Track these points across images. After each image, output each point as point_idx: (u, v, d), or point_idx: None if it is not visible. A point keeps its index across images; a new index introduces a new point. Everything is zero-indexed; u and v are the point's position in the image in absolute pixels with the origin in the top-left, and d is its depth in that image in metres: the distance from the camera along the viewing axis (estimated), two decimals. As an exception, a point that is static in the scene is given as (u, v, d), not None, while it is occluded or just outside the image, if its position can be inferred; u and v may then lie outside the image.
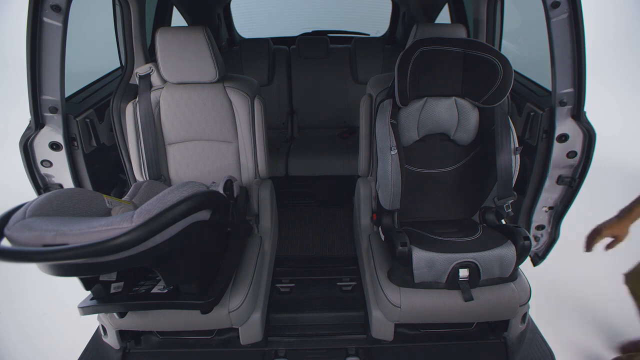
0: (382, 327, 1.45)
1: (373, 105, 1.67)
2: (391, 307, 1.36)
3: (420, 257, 1.29)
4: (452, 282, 1.30)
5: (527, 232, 1.33)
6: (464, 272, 1.29)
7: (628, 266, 1.47)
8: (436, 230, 1.51)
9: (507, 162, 1.44)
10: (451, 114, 1.55)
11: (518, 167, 1.47)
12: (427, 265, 1.29)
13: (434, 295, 1.35)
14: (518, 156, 1.46)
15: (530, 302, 1.44)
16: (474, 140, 1.59)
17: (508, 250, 1.30)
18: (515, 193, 1.48)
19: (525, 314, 1.47)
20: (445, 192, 1.66)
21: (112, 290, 1.20)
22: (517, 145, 1.45)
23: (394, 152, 1.43)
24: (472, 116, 1.55)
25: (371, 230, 1.74)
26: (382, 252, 1.55)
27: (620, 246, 1.29)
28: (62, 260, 0.86)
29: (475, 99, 1.51)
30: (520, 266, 1.38)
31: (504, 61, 1.40)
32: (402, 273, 1.35)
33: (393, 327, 1.46)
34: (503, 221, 1.58)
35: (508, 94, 1.44)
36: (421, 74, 1.48)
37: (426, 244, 1.35)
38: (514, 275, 1.36)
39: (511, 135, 1.45)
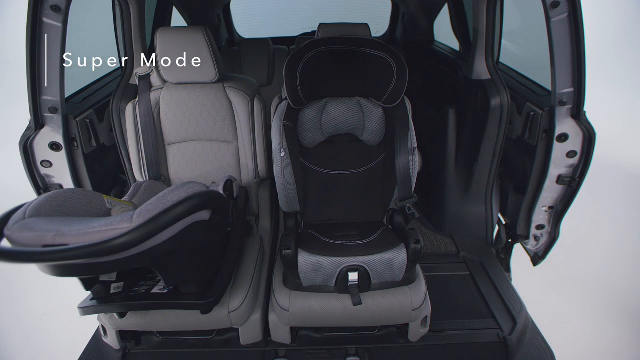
0: (278, 330, 1.43)
1: None
2: (281, 310, 1.35)
3: (305, 260, 1.27)
4: (342, 286, 1.28)
5: (419, 235, 1.29)
6: (353, 276, 1.26)
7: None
8: (336, 233, 1.47)
9: (405, 163, 1.42)
10: (355, 114, 1.51)
11: (417, 167, 1.45)
12: (313, 269, 1.27)
13: (323, 299, 1.32)
14: (417, 156, 1.43)
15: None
16: (383, 141, 1.56)
17: (398, 254, 1.27)
18: (415, 195, 1.44)
19: (426, 318, 1.41)
20: (356, 193, 1.62)
21: (112, 291, 1.20)
22: (414, 145, 1.43)
23: (283, 154, 1.42)
24: (377, 116, 1.51)
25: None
26: None
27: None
28: (62, 261, 0.87)
29: (378, 99, 1.48)
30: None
31: (398, 60, 1.36)
32: (293, 277, 1.33)
33: (289, 330, 1.44)
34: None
35: (404, 94, 1.41)
36: (319, 75, 1.43)
37: (316, 247, 1.33)
38: (410, 279, 1.33)
39: (409, 135, 1.43)
